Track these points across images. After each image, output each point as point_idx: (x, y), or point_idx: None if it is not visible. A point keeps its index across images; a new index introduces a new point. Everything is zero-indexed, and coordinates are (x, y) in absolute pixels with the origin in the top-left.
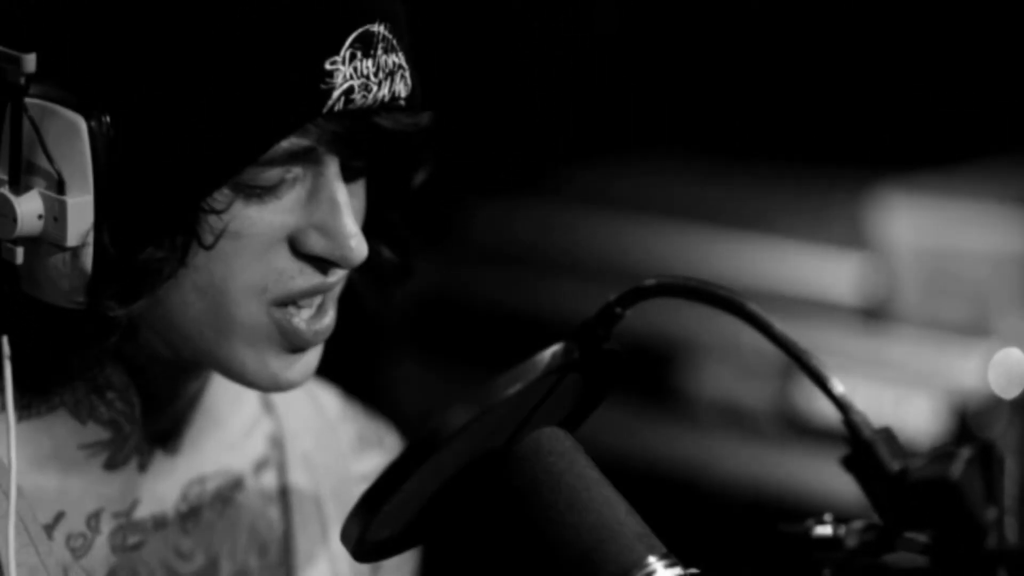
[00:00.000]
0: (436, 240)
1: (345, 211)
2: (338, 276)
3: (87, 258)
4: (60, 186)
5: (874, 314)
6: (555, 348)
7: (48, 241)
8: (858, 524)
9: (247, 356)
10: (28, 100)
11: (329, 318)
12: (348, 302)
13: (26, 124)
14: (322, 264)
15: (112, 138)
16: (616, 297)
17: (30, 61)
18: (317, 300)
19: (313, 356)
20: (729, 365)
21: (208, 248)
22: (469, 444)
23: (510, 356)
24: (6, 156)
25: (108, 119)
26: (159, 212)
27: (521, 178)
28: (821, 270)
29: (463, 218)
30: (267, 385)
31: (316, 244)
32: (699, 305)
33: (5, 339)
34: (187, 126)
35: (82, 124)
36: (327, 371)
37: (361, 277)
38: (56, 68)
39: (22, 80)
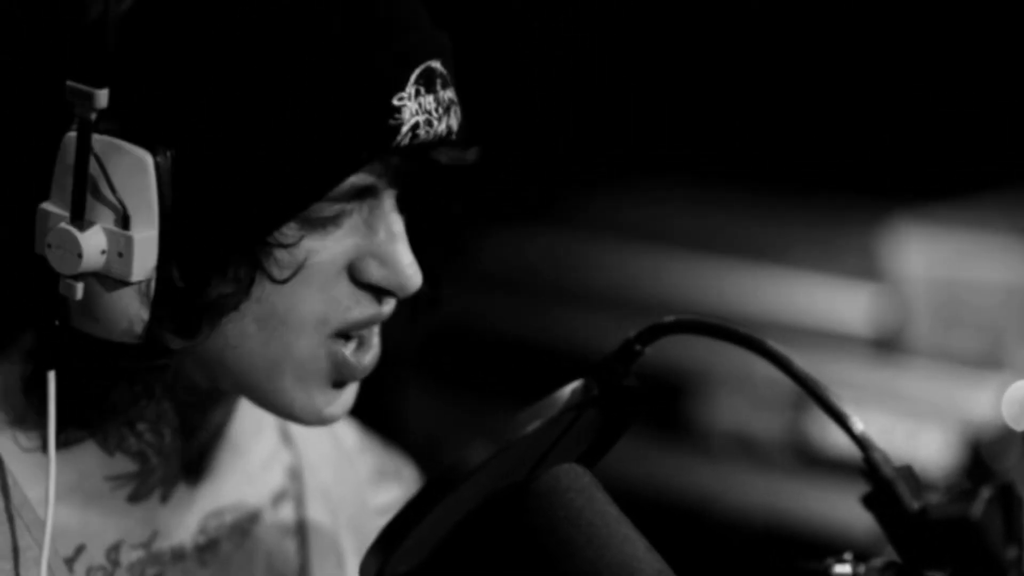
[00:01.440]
0: (446, 268)
1: (403, 241)
2: (391, 306)
3: (150, 293)
4: (125, 221)
5: (886, 345)
6: (574, 385)
7: (111, 276)
8: (877, 563)
9: (296, 390)
10: (94, 136)
11: (375, 350)
12: None
13: (91, 159)
14: (378, 293)
15: (178, 174)
16: (635, 334)
17: (102, 97)
18: (364, 332)
19: (353, 391)
20: (742, 396)
21: (281, 283)
22: (488, 480)
23: (520, 385)
24: (69, 191)
25: (174, 154)
26: (226, 246)
27: (532, 206)
28: (833, 301)
29: (473, 246)
30: (311, 419)
31: (375, 273)
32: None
33: (51, 375)
34: (256, 161)
35: (149, 159)
36: None
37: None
38: (121, 103)
39: (93, 116)
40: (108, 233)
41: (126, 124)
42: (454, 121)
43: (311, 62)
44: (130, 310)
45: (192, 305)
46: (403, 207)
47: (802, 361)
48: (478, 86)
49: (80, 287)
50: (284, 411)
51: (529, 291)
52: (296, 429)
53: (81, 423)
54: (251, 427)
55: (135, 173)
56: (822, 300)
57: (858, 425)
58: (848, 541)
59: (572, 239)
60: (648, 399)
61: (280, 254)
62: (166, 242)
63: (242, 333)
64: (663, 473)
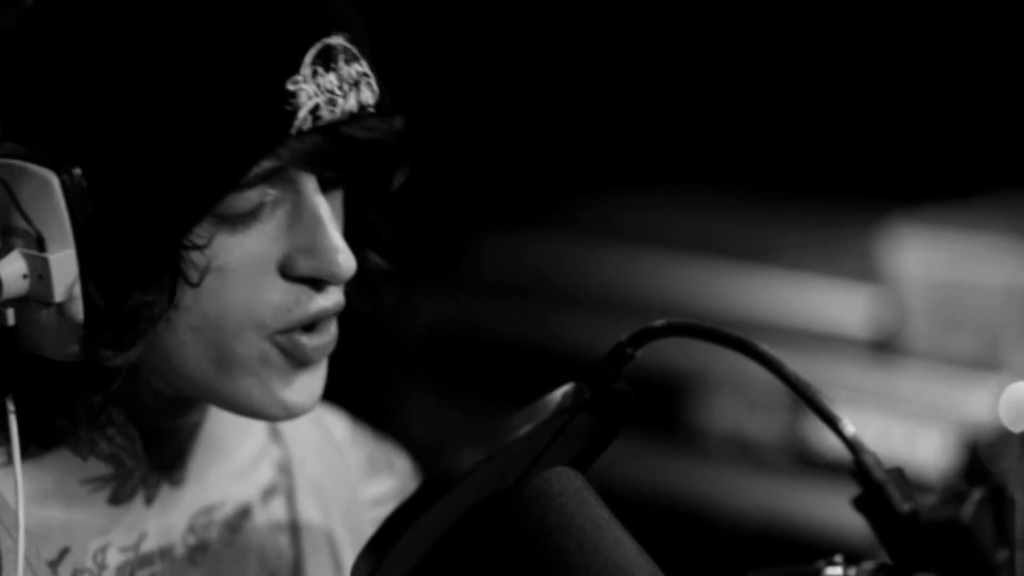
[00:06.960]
0: (447, 272)
1: (329, 227)
2: (334, 299)
3: (77, 311)
4: (40, 244)
5: (884, 347)
6: (565, 389)
7: (36, 299)
8: (869, 565)
9: (252, 386)
10: None
11: (331, 334)
12: (357, 331)
13: None
14: (315, 284)
15: (85, 189)
16: (626, 338)
17: None
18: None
19: (318, 379)
20: (738, 398)
21: (195, 285)
22: (479, 484)
23: (521, 388)
24: None
25: (79, 171)
26: (142, 255)
27: (532, 211)
28: (831, 303)
29: (474, 250)
30: (276, 412)
31: (304, 265)
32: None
33: (10, 399)
34: (158, 165)
35: (54, 179)
36: (339, 402)
37: (354, 286)
38: (21, 126)
39: None
40: (27, 257)
41: (28, 146)
42: (368, 95)
43: (200, 59)
44: (61, 330)
45: (119, 318)
46: (346, 184)
47: (800, 363)
48: (478, 90)
49: (11, 313)
50: (245, 409)
51: (530, 295)
52: (285, 425)
53: (51, 433)
54: (236, 427)
55: (42, 194)
56: (820, 302)
57: (849, 428)
58: (845, 543)
59: (571, 242)
60: (639, 403)
61: (196, 257)
62: (86, 259)
63: (179, 342)
64: (659, 475)
